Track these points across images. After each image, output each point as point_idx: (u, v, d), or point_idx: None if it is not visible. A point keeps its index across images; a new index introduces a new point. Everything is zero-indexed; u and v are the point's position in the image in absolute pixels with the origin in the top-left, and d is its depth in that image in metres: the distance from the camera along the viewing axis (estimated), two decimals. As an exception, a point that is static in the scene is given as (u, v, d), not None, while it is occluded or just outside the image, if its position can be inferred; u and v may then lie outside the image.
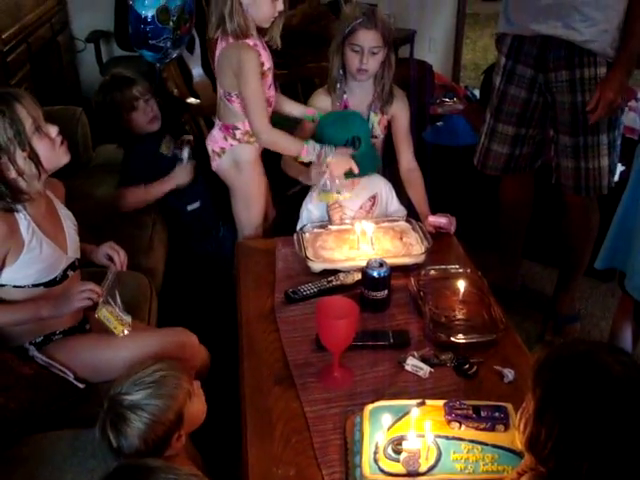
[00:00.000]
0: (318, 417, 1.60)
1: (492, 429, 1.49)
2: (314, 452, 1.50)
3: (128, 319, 1.90)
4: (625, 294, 2.14)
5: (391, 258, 2.06)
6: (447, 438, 1.47)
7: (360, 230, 2.17)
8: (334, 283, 2.04)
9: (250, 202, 2.56)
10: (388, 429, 1.47)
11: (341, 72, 2.48)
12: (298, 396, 1.67)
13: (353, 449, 1.48)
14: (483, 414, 1.51)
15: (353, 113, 2.41)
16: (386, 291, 1.95)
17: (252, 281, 2.14)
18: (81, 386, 1.88)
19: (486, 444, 1.46)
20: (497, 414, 1.51)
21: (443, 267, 2.09)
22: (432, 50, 5.39)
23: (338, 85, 2.50)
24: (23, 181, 1.80)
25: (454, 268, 2.09)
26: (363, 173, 2.33)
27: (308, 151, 2.30)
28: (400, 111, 2.52)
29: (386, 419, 1.48)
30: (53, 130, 1.87)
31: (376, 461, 1.41)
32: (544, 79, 2.54)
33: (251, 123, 2.35)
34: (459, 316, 1.91)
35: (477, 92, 4.43)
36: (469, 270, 2.07)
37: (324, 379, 1.71)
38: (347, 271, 2.07)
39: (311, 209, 2.39)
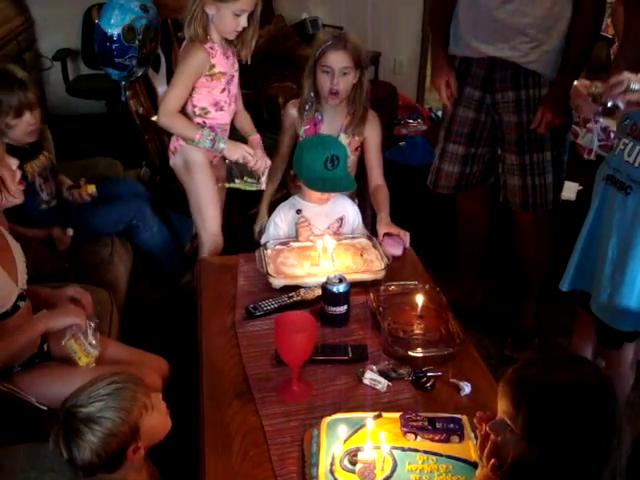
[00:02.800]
0: (276, 430, 1.61)
1: (447, 440, 1.52)
2: (272, 465, 1.51)
3: (95, 352, 1.92)
4: (585, 314, 2.17)
5: (351, 274, 2.09)
6: (403, 449, 1.49)
7: (321, 246, 2.20)
8: (295, 299, 2.05)
9: (202, 206, 2.65)
10: (345, 441, 1.49)
11: (312, 95, 2.54)
12: (257, 410, 1.68)
13: (310, 461, 1.50)
14: (438, 425, 1.53)
15: (330, 136, 2.46)
16: (345, 306, 1.97)
17: (213, 297, 2.15)
18: (44, 408, 1.85)
19: (441, 455, 1.48)
20: (452, 425, 1.54)
21: (402, 283, 2.12)
22: (397, 72, 5.48)
23: (307, 106, 2.57)
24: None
25: (413, 284, 2.12)
26: (340, 192, 2.40)
27: (203, 135, 2.47)
28: (372, 132, 2.59)
29: (342, 431, 1.51)
30: (14, 163, 1.85)
31: (332, 472, 1.43)
32: (491, 100, 2.61)
33: (159, 103, 2.50)
34: (417, 331, 1.93)
35: (440, 113, 4.50)
36: (427, 286, 2.10)
37: (283, 393, 1.73)
38: (308, 287, 2.09)
39: (278, 223, 2.42)
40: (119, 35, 2.75)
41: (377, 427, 1.51)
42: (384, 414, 1.57)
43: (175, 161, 2.66)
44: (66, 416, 1.47)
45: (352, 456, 1.45)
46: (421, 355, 1.82)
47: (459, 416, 1.57)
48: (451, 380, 1.77)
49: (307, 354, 1.69)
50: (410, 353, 1.82)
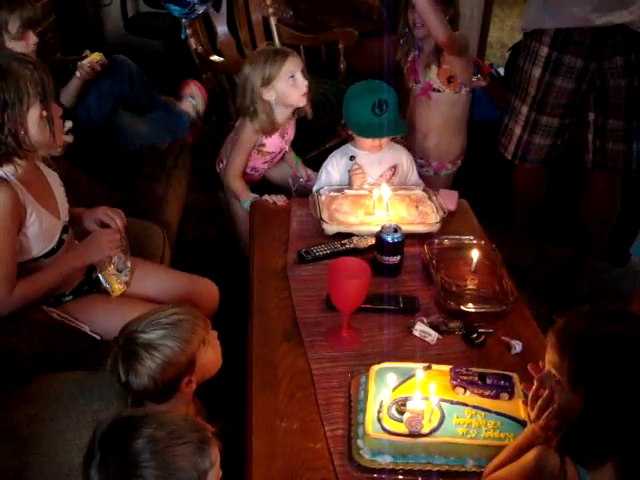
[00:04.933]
0: (324, 375, 1.61)
1: (496, 397, 1.49)
2: (318, 408, 1.52)
3: (125, 279, 1.99)
4: None
5: (406, 225, 2.06)
6: (451, 402, 1.47)
7: (377, 195, 2.16)
8: (347, 246, 2.04)
9: None
10: (393, 389, 1.48)
11: (407, 30, 2.73)
12: (305, 353, 1.68)
13: (357, 407, 1.50)
14: (488, 381, 1.51)
15: (376, 81, 2.41)
16: (399, 257, 1.95)
17: (265, 239, 2.15)
18: (98, 337, 1.89)
19: (489, 411, 1.46)
20: (502, 382, 1.51)
21: (457, 237, 2.09)
22: (460, 27, 5.33)
23: (402, 41, 2.75)
24: (29, 141, 1.74)
25: (468, 239, 2.08)
26: (390, 136, 2.35)
27: (246, 200, 2.51)
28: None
29: (391, 379, 1.49)
30: (59, 111, 1.84)
31: (379, 420, 1.42)
32: (597, 67, 2.51)
33: (227, 164, 2.64)
34: (470, 286, 1.90)
35: (502, 70, 4.39)
36: (483, 242, 2.07)
37: (332, 338, 1.73)
38: (361, 235, 2.07)
39: (330, 171, 2.39)
40: (183, -28, 2.71)
41: (426, 378, 1.49)
42: (434, 366, 1.56)
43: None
44: (126, 341, 1.49)
45: (400, 405, 1.44)
46: (473, 310, 1.80)
47: (510, 374, 1.54)
48: (502, 338, 1.74)
49: (359, 301, 1.68)
50: (462, 307, 1.80)
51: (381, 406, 1.45)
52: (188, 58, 3.38)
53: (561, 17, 2.50)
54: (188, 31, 3.07)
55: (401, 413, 1.43)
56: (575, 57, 2.53)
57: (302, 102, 2.53)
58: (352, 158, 2.35)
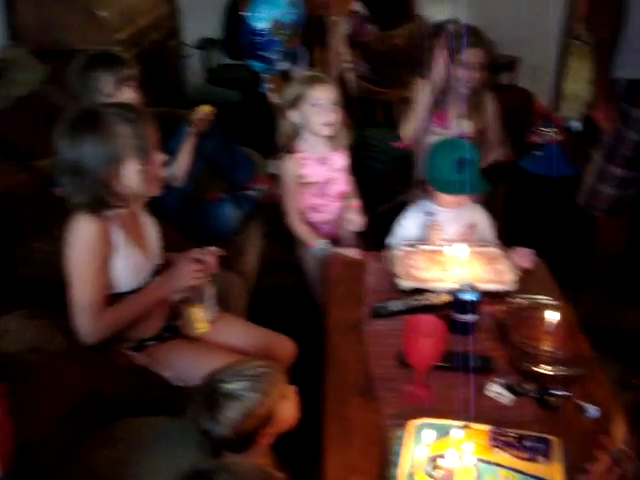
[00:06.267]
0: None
1: (533, 459, 1.48)
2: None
3: (210, 317, 2.04)
4: None
5: (482, 283, 2.06)
6: (486, 463, 1.47)
7: (453, 252, 2.18)
8: (423, 302, 2.05)
9: None
10: (430, 446, 1.49)
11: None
12: (379, 408, 1.70)
13: (392, 460, 1.50)
14: (526, 444, 1.50)
15: (460, 138, 2.45)
16: (474, 315, 1.96)
17: (340, 292, 2.19)
18: (179, 385, 1.94)
19: (524, 473, 1.45)
20: (540, 445, 1.51)
21: (533, 297, 2.07)
22: (534, 78, 5.33)
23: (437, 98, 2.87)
24: (126, 192, 1.85)
25: (544, 298, 2.06)
26: (470, 194, 2.36)
27: (314, 246, 2.53)
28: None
29: (429, 435, 1.50)
30: (161, 158, 1.93)
31: (412, 476, 1.43)
32: None
33: (285, 210, 2.63)
34: (546, 347, 1.88)
35: (575, 123, 4.36)
36: (559, 302, 2.05)
37: (405, 395, 1.73)
38: (436, 292, 2.09)
39: (406, 225, 2.42)
40: (267, 29, 2.81)
41: (464, 437, 1.50)
42: (473, 425, 1.56)
43: None
44: (209, 390, 1.53)
45: (435, 462, 1.44)
46: (549, 372, 1.78)
47: (548, 437, 1.53)
48: (578, 402, 1.72)
49: (434, 359, 1.69)
50: (538, 369, 1.78)
51: (416, 462, 1.45)
52: (265, 109, 3.49)
53: (629, 66, 2.50)
54: (268, 85, 3.17)
55: (435, 470, 1.42)
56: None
57: (325, 131, 2.53)
58: (429, 214, 2.37)
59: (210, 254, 2.04)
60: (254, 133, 3.40)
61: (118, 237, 1.88)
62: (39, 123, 2.76)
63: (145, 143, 1.82)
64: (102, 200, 1.82)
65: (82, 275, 1.82)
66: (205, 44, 5.07)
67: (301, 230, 2.61)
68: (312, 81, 2.50)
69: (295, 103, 2.50)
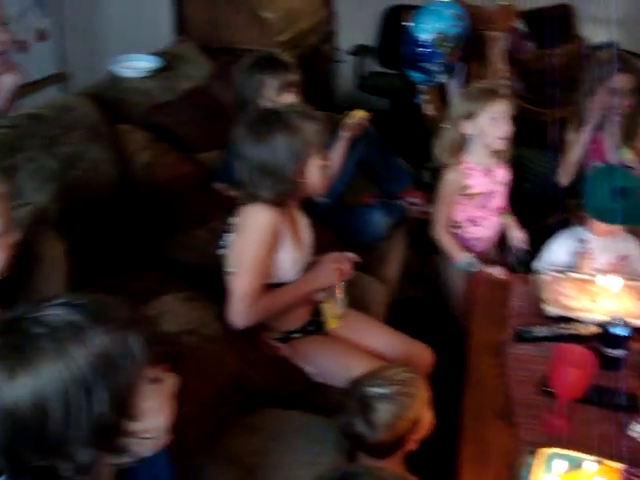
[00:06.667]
0: (535, 459, 1.60)
1: None
2: (527, 491, 1.51)
3: (340, 312, 2.11)
4: None
5: (632, 318, 2.00)
6: None
7: (604, 283, 2.13)
8: (569, 331, 2.01)
9: None
10: (560, 476, 1.46)
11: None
12: (517, 434, 1.68)
13: None
14: None
15: (619, 166, 2.39)
16: (623, 351, 1.90)
17: (484, 312, 2.18)
18: (320, 380, 2.00)
19: None
20: None
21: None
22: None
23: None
24: (307, 188, 1.97)
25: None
26: (627, 225, 2.31)
27: (458, 261, 2.50)
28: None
29: (559, 466, 1.47)
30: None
31: None
32: None
33: (433, 218, 2.63)
34: (699, 391, 1.81)
35: None
36: None
37: (545, 423, 1.71)
38: (583, 322, 2.04)
39: (555, 250, 2.38)
40: (430, 40, 2.83)
41: (596, 471, 1.46)
42: (607, 461, 1.51)
43: None
44: (360, 394, 1.57)
45: None
46: (700, 420, 1.71)
47: None
48: None
49: (580, 392, 1.65)
50: (689, 414, 1.71)
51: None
52: (416, 120, 3.50)
53: None
54: (425, 97, 3.18)
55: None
56: None
57: (500, 145, 2.52)
58: (582, 241, 2.32)
59: (347, 260, 2.11)
60: (403, 143, 3.42)
61: (285, 230, 1.97)
62: (203, 117, 2.93)
63: (325, 140, 1.92)
64: (286, 195, 1.93)
65: (249, 261, 1.92)
66: (359, 50, 5.11)
67: (447, 241, 2.60)
68: (492, 94, 2.49)
69: (471, 115, 2.49)
